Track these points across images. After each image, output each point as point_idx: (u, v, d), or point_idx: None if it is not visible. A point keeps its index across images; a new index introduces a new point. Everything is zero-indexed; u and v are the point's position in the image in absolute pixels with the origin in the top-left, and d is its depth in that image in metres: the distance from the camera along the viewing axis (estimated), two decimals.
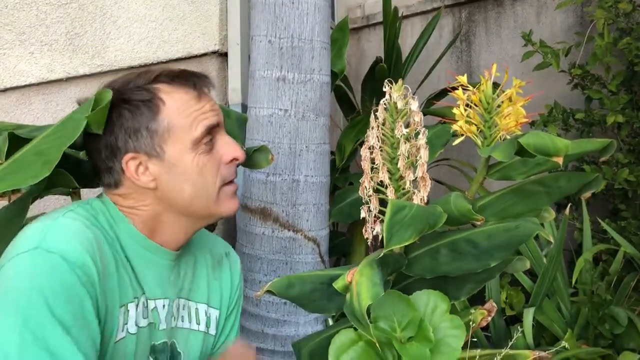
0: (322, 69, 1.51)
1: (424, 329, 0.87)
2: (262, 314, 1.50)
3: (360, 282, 0.80)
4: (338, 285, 0.84)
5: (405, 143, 0.92)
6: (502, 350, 1.06)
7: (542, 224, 0.98)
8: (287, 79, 1.47)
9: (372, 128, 0.95)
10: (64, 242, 0.83)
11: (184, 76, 0.97)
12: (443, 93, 2.45)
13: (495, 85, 1.15)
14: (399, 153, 0.93)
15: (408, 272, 0.96)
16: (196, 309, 1.04)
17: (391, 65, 2.40)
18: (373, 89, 2.47)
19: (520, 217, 1.14)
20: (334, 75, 1.73)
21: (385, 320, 0.89)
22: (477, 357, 1.07)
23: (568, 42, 2.27)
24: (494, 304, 1.03)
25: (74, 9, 1.78)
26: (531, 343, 1.63)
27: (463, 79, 1.13)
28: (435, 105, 2.43)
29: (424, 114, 2.56)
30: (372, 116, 0.96)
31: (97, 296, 0.85)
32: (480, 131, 1.11)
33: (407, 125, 0.95)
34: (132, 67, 1.88)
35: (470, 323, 1.00)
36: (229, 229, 1.71)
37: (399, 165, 0.93)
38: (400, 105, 0.93)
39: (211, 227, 1.40)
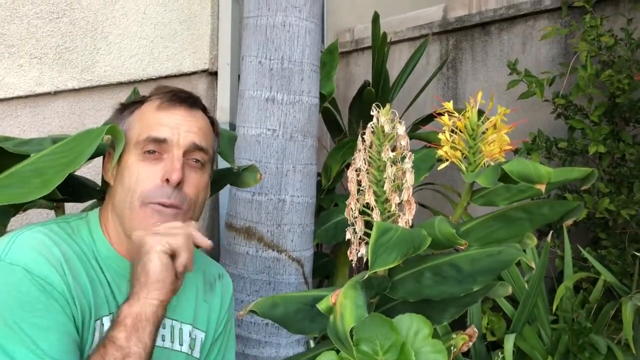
0: (311, 91, 1.52)
1: (406, 352, 0.87)
2: (244, 335, 1.49)
3: (344, 304, 0.81)
4: (322, 306, 0.84)
5: (391, 166, 0.93)
6: None
7: (524, 250, 1.00)
8: (276, 100, 1.48)
9: (359, 150, 0.97)
10: (26, 255, 0.85)
11: (169, 90, 1.00)
12: (429, 118, 2.48)
13: (481, 112, 1.17)
14: (385, 176, 0.94)
15: (392, 295, 0.97)
16: (180, 329, 1.02)
17: (379, 90, 2.42)
18: (360, 112, 2.50)
19: (503, 242, 1.16)
20: (322, 97, 1.75)
21: (367, 343, 0.90)
22: None
23: (552, 72, 2.31)
24: (475, 329, 1.04)
25: (65, 24, 1.79)
26: None
27: (449, 105, 1.15)
28: (421, 129, 2.46)
29: (410, 138, 2.59)
30: (360, 139, 0.97)
31: (68, 306, 0.85)
32: (464, 157, 1.13)
33: (393, 149, 0.97)
34: (121, 83, 1.88)
35: (452, 348, 1.00)
36: (212, 248, 1.70)
37: (385, 188, 0.94)
38: (387, 129, 0.95)
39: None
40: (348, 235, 0.98)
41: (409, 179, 0.95)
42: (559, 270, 2.08)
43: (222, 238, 1.56)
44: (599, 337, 1.69)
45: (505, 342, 1.68)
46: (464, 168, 1.12)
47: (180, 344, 1.02)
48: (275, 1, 1.47)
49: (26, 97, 1.75)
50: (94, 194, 1.15)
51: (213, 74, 2.02)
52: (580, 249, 1.96)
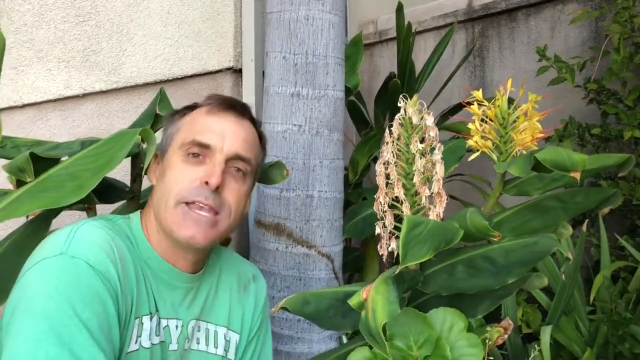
0: (336, 84, 1.51)
1: (441, 347, 0.86)
2: (276, 331, 1.49)
3: (376, 299, 0.80)
4: (353, 302, 0.83)
5: (420, 158, 0.92)
6: None
7: (559, 240, 0.97)
8: (301, 95, 1.47)
9: (387, 143, 0.95)
10: (87, 248, 0.85)
11: (223, 97, 1.01)
12: (457, 108, 2.44)
13: (510, 100, 1.14)
14: (414, 168, 0.92)
15: (424, 289, 0.95)
16: (215, 331, 1.03)
17: (404, 81, 2.40)
18: (386, 104, 2.47)
19: (537, 232, 1.13)
20: (347, 90, 1.73)
21: (401, 339, 0.88)
22: None
23: (583, 56, 2.25)
24: (511, 322, 1.02)
25: (91, 27, 1.81)
26: None
27: (478, 93, 1.13)
28: (449, 120, 2.42)
29: (438, 129, 2.55)
30: (387, 131, 0.96)
31: (118, 301, 0.86)
32: (495, 146, 1.11)
33: (422, 140, 0.95)
34: (147, 84, 1.89)
35: (487, 341, 0.98)
36: (242, 247, 1.71)
37: (414, 181, 0.92)
38: (415, 120, 0.93)
39: (224, 243, 1.40)
40: (377, 230, 0.97)
41: (439, 170, 0.93)
42: (595, 259, 2.03)
43: (252, 235, 1.57)
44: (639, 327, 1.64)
45: (542, 334, 1.64)
46: (495, 158, 1.10)
47: (215, 347, 1.02)
48: None
49: (55, 100, 1.78)
50: (124, 195, 1.16)
51: (237, 72, 2.02)
52: (617, 237, 1.91)
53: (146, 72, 1.89)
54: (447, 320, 0.92)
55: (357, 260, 2.10)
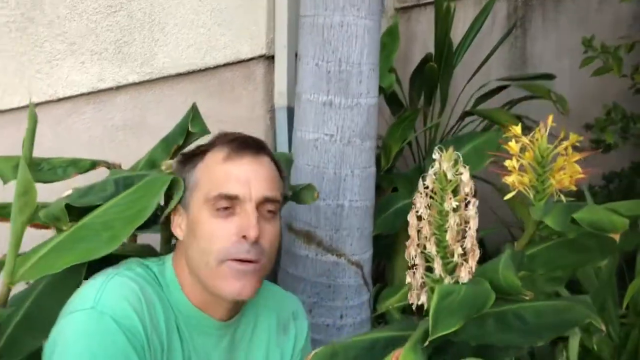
0: (370, 91, 1.48)
1: None
2: None
3: None
4: None
5: (454, 217, 0.90)
6: None
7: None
8: (333, 104, 1.45)
9: (420, 194, 0.93)
10: (115, 304, 0.89)
11: (233, 138, 0.99)
12: (495, 91, 2.37)
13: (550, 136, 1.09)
14: (447, 225, 0.91)
15: (453, 338, 0.96)
16: None
17: (442, 58, 2.31)
18: (421, 86, 2.41)
19: (570, 268, 1.12)
20: (380, 89, 1.69)
21: None
22: None
23: (632, 35, 2.14)
24: None
25: (123, 17, 1.79)
26: None
27: (517, 129, 1.09)
28: (486, 103, 2.35)
29: (472, 114, 2.49)
30: (420, 183, 0.94)
31: (144, 354, 0.89)
32: (532, 185, 1.08)
33: (455, 192, 0.93)
34: (180, 74, 1.88)
35: None
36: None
37: (447, 238, 0.91)
38: (450, 175, 0.91)
39: None
40: (408, 279, 0.97)
41: (473, 225, 0.91)
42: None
43: (284, 239, 1.58)
44: None
45: (571, 338, 1.64)
46: (532, 197, 1.07)
47: None
48: (332, 0, 1.41)
49: (89, 93, 1.78)
50: None
51: (270, 58, 1.99)
52: None
53: (178, 63, 1.87)
54: None
55: (385, 249, 2.08)
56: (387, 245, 2.12)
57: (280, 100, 1.99)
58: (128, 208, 0.93)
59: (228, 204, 0.94)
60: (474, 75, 2.47)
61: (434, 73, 2.22)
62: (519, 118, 2.49)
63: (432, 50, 2.33)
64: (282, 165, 1.06)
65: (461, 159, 0.92)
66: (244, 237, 0.93)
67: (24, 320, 0.96)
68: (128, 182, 1.03)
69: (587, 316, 0.87)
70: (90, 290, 0.90)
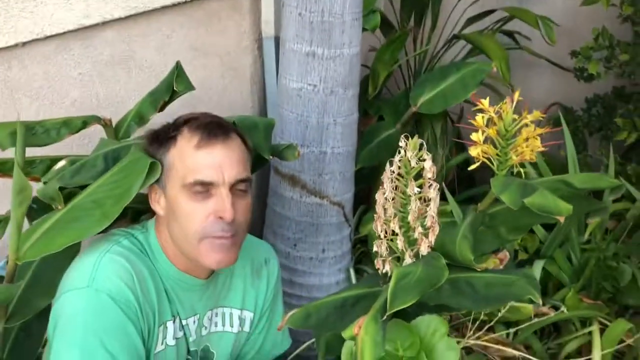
0: (352, 41, 1.49)
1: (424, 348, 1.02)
2: (291, 266, 1.67)
3: (365, 340, 0.93)
4: (346, 334, 0.97)
5: (416, 200, 0.99)
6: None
7: None
8: (316, 55, 1.47)
9: (387, 178, 1.01)
10: (109, 281, 1.00)
11: (203, 124, 1.05)
12: (486, 13, 2.34)
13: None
14: (409, 208, 1.00)
15: None
16: (230, 313, 1.20)
17: None
18: (413, 5, 2.38)
19: (526, 226, 1.23)
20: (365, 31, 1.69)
21: (389, 343, 1.04)
22: None
23: None
24: (507, 253, 1.16)
25: None
26: None
27: (485, 102, 1.14)
28: (472, 27, 2.33)
29: (458, 39, 2.48)
30: (387, 166, 1.01)
31: (139, 323, 1.03)
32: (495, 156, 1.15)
33: (419, 177, 1.00)
34: (165, 7, 1.87)
35: None
36: (263, 192, 1.82)
37: (409, 219, 1.01)
38: (413, 163, 0.98)
39: None
40: (375, 248, 1.07)
41: (433, 206, 1.00)
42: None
43: (271, 180, 1.68)
44: (625, 265, 1.78)
45: (535, 267, 1.79)
46: (495, 167, 1.15)
47: (231, 326, 1.21)
48: None
49: (76, 30, 1.78)
50: None
51: None
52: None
53: None
54: (431, 326, 1.08)
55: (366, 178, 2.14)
56: (373, 168, 2.22)
57: (267, 29, 1.99)
58: (117, 187, 1.02)
59: (203, 189, 1.03)
60: None
61: None
62: (510, 35, 2.48)
63: None
64: (249, 141, 1.13)
65: (425, 146, 1.00)
66: (220, 217, 1.03)
67: (30, 283, 1.09)
68: (115, 155, 1.12)
69: (529, 292, 0.99)
70: (84, 269, 1.01)
